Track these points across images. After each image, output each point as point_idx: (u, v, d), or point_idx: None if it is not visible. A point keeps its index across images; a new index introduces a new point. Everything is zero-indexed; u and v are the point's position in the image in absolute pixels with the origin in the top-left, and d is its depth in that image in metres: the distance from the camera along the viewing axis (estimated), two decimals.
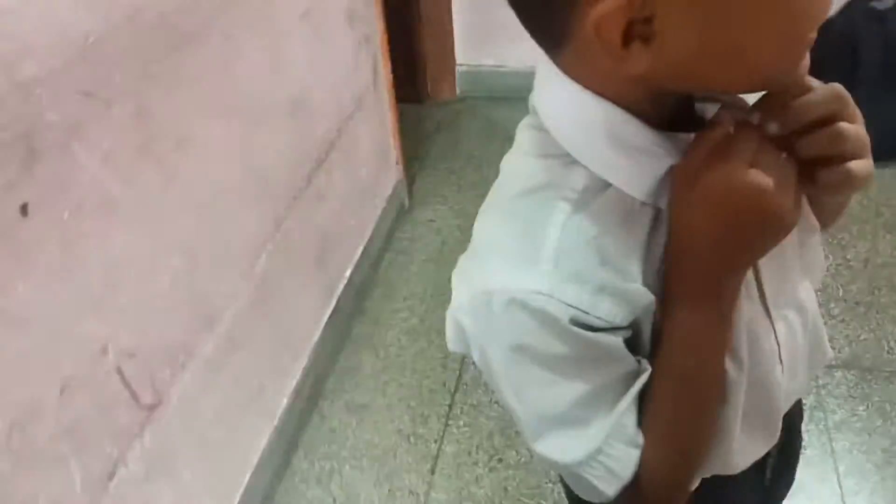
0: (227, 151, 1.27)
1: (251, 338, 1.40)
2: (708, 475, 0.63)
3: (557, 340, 0.51)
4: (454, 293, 0.57)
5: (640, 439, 0.55)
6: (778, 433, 0.68)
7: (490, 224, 0.57)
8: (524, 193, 0.55)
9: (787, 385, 0.64)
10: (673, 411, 0.56)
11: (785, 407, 0.67)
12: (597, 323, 0.50)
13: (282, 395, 1.59)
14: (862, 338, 1.82)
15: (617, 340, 0.52)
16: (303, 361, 1.68)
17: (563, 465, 0.55)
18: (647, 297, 0.52)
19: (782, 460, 0.79)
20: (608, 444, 0.54)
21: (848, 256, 2.05)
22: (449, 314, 0.58)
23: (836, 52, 2.38)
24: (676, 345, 0.54)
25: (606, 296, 0.50)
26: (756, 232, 0.50)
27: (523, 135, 0.61)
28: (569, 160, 0.53)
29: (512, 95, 2.92)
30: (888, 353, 1.78)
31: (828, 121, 0.49)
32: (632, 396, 0.54)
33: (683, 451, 0.57)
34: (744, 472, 0.67)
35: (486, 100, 2.87)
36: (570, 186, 0.52)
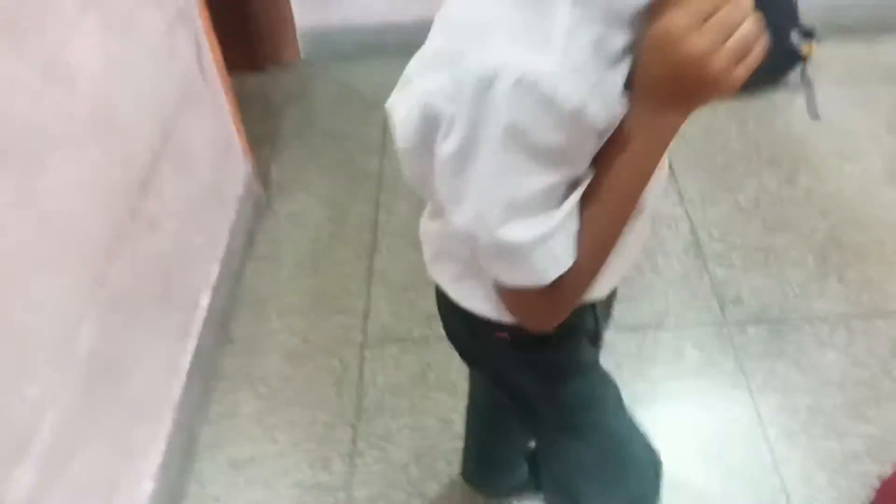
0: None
1: (85, 438, 1.09)
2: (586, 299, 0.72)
3: (554, 129, 0.55)
4: (421, 83, 0.62)
5: (577, 236, 0.62)
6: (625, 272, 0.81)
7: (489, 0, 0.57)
8: None
9: (642, 231, 0.78)
10: (607, 221, 0.63)
11: (636, 253, 0.82)
12: (584, 121, 0.54)
13: (141, 480, 1.29)
14: (766, 287, 1.75)
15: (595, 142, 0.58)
16: (164, 428, 1.38)
17: (520, 246, 0.60)
18: (622, 110, 0.57)
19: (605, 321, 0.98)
20: (559, 232, 0.60)
21: (739, 199, 1.98)
22: (412, 105, 0.62)
23: None
24: (625, 163, 0.60)
25: (598, 97, 0.54)
26: (690, 86, 0.54)
27: None
28: None
29: (363, 54, 2.66)
30: (794, 297, 1.73)
31: None
32: (579, 195, 0.60)
33: (600, 259, 0.65)
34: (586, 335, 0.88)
35: (335, 62, 2.55)
36: None
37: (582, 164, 0.60)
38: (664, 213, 1.94)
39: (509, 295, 0.69)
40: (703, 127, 2.20)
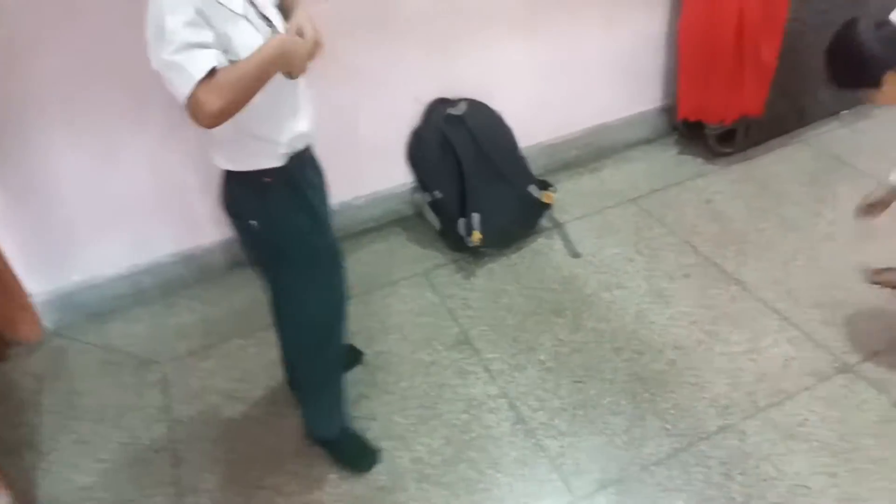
0: None
1: None
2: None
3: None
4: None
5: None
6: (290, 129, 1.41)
7: None
8: None
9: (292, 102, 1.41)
10: (235, 74, 1.21)
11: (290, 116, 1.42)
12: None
13: None
14: (597, 446, 1.78)
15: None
16: None
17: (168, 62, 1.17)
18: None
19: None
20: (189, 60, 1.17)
21: (541, 358, 2.03)
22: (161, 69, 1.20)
23: (441, 157, 2.41)
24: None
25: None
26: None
27: None
28: None
29: (118, 307, 2.40)
30: (625, 449, 1.77)
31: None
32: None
33: (234, 89, 1.21)
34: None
35: (88, 324, 2.27)
36: None
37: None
38: (479, 396, 1.92)
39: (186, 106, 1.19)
40: (486, 292, 2.28)
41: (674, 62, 2.85)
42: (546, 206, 2.53)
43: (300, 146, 1.43)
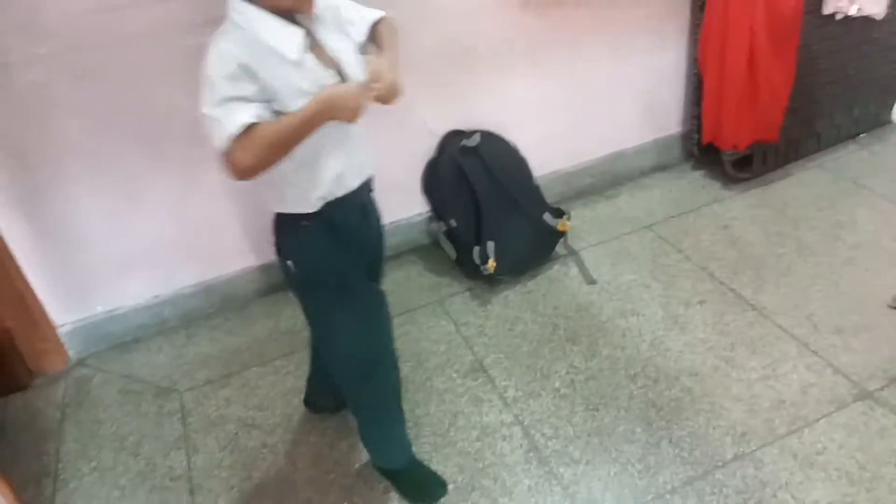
0: None
1: None
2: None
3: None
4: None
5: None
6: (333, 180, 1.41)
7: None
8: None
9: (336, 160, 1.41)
10: (273, 133, 1.22)
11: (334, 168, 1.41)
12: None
13: None
14: (612, 475, 1.76)
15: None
16: None
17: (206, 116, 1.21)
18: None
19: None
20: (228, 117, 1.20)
21: (556, 385, 2.03)
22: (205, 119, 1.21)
23: (456, 187, 2.44)
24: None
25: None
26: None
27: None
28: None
29: (140, 337, 2.45)
30: (639, 478, 1.75)
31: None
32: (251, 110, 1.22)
33: (271, 148, 1.23)
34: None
35: (110, 355, 2.33)
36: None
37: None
38: (493, 423, 1.92)
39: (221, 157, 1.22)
40: (501, 319, 2.28)
41: (689, 89, 2.86)
42: (561, 234, 2.54)
43: (339, 192, 1.41)
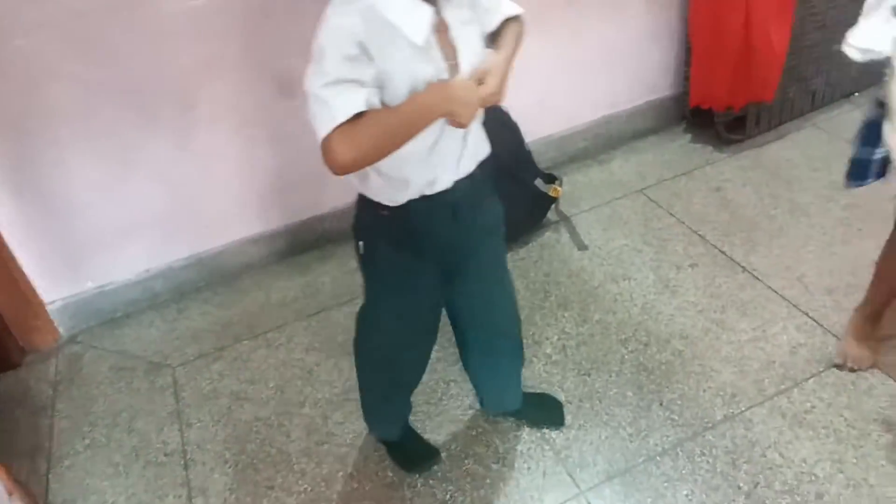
0: None
1: None
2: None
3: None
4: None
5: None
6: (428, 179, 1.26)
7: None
8: None
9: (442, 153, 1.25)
10: (379, 125, 1.08)
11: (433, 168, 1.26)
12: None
13: None
14: (603, 438, 1.77)
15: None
16: None
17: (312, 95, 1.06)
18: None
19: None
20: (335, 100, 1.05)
21: (548, 351, 2.03)
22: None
23: None
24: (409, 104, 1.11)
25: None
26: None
27: None
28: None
29: (132, 312, 2.45)
30: (630, 440, 1.76)
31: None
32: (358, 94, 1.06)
33: (373, 141, 1.08)
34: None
35: (102, 330, 2.32)
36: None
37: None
38: None
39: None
40: None
41: (681, 51, 2.82)
42: (553, 200, 2.53)
43: (429, 192, 1.26)
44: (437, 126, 1.17)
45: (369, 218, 1.33)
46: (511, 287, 1.64)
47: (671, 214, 2.51)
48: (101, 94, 2.00)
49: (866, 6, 1.40)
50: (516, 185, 2.46)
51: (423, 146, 1.19)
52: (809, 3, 2.59)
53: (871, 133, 1.54)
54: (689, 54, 2.72)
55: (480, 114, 1.26)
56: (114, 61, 1.97)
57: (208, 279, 2.46)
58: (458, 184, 1.29)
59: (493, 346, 1.64)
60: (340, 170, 1.07)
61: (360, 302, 1.53)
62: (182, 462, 1.86)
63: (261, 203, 2.41)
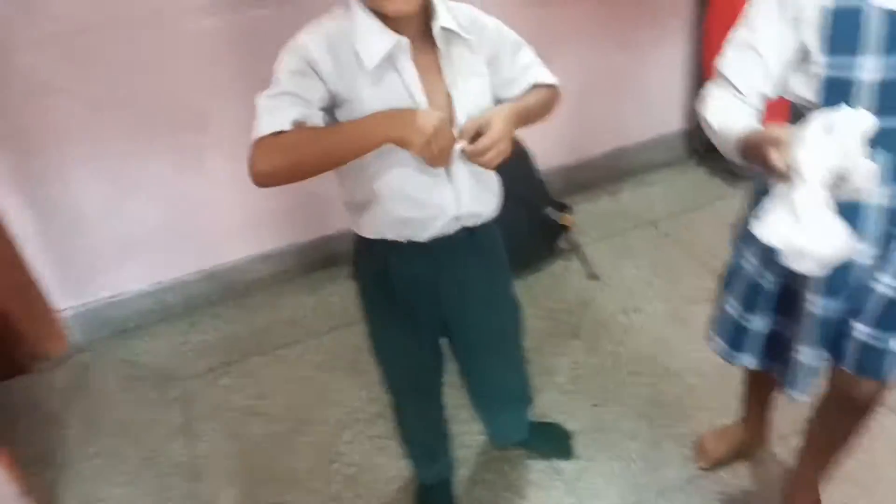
0: None
1: None
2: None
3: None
4: None
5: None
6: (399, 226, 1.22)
7: None
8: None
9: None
10: (303, 146, 1.07)
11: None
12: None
13: None
14: (615, 471, 1.77)
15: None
16: None
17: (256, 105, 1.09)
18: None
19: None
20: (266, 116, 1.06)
21: (558, 381, 2.03)
22: None
23: None
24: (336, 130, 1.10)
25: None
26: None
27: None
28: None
29: (143, 323, 2.44)
30: (641, 474, 1.76)
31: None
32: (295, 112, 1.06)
33: (286, 157, 1.06)
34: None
35: (113, 341, 2.32)
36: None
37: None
38: None
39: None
40: None
41: (693, 85, 2.86)
42: (564, 229, 2.54)
43: (407, 233, 1.20)
44: (412, 163, 1.12)
45: (355, 250, 1.32)
46: (517, 341, 1.59)
47: (682, 248, 2.53)
48: (114, 113, 2.02)
49: None
50: (528, 212, 2.48)
51: (397, 181, 1.14)
52: None
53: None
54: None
55: (465, 163, 1.16)
56: (124, 79, 2.00)
57: (220, 294, 2.46)
58: (439, 241, 1.22)
59: (495, 401, 1.61)
60: (255, 178, 1.06)
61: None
62: (190, 475, 1.85)
63: (271, 221, 2.42)
